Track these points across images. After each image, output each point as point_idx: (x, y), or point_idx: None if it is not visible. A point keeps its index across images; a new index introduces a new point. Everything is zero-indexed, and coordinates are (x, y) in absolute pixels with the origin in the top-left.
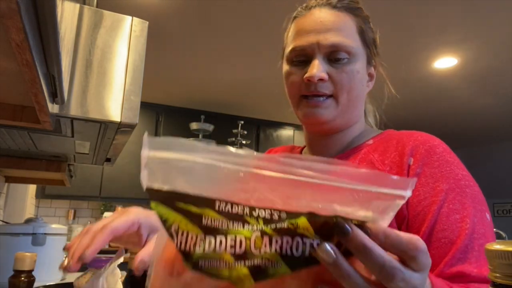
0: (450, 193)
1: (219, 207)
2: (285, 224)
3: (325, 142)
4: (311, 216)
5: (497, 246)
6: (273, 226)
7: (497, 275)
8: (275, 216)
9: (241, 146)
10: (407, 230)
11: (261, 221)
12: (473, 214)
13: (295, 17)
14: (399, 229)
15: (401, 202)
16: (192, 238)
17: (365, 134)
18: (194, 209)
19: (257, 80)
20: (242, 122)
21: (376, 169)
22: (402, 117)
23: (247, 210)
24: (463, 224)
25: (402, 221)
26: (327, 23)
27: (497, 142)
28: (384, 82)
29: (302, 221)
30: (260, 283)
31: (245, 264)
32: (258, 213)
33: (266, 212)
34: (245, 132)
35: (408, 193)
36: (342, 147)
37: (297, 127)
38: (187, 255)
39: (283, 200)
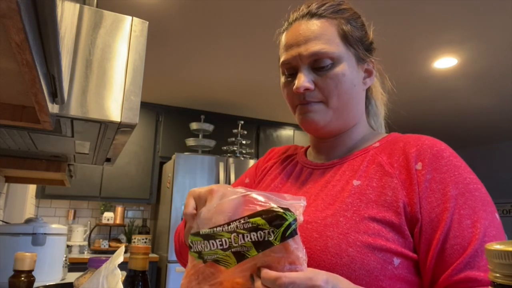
0: (460, 198)
1: (210, 228)
2: (249, 224)
3: (330, 144)
4: (262, 214)
5: (497, 246)
6: (241, 226)
7: (497, 275)
8: (242, 221)
9: (241, 146)
10: (420, 234)
11: (235, 226)
12: (484, 218)
13: (283, 31)
14: (412, 232)
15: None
16: (199, 244)
17: (370, 137)
18: (201, 232)
19: (257, 80)
20: (242, 122)
21: (385, 172)
22: (402, 117)
23: (225, 224)
24: (474, 229)
25: (415, 224)
26: (306, 34)
27: (497, 142)
28: (382, 77)
29: (259, 219)
30: (241, 263)
31: (231, 252)
32: (231, 223)
33: (236, 221)
34: (245, 132)
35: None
36: (347, 149)
37: (297, 127)
38: (199, 254)
39: (241, 214)
